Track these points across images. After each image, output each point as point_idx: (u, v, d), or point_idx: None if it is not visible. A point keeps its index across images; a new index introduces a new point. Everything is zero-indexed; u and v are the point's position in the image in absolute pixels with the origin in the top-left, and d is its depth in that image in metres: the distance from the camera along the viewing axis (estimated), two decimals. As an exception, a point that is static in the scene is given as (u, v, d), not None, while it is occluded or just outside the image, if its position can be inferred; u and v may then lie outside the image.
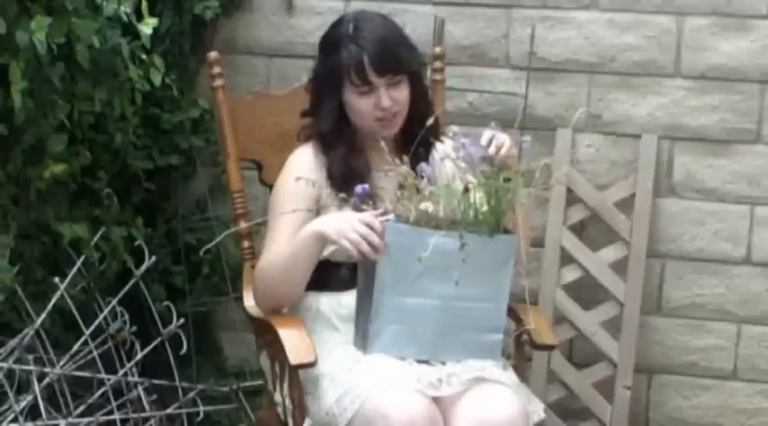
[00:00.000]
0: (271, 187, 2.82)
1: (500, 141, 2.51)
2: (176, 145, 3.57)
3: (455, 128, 2.56)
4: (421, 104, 2.67)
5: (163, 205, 3.63)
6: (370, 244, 2.41)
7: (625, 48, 3.44)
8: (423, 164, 2.48)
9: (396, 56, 2.61)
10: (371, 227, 2.42)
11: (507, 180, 2.44)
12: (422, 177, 2.45)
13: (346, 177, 2.61)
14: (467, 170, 2.46)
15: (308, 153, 2.69)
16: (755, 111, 3.40)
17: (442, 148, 2.68)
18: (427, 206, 2.42)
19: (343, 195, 2.53)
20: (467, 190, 2.44)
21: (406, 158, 2.48)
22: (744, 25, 3.38)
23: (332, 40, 2.65)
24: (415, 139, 2.58)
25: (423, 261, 2.37)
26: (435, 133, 2.70)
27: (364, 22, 2.63)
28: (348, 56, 2.58)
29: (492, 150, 2.49)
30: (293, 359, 2.45)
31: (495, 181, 2.43)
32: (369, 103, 2.60)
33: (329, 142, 2.66)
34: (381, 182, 2.60)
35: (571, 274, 3.46)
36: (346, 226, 2.43)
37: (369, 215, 2.44)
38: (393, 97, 2.60)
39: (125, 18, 3.06)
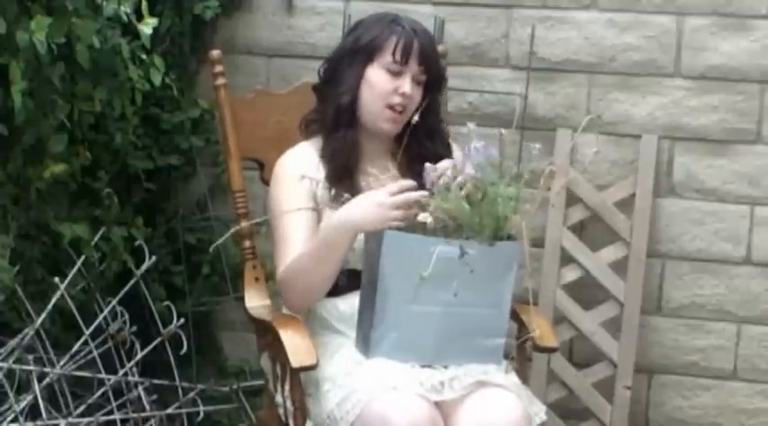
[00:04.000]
0: (273, 186, 2.82)
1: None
2: (176, 145, 3.57)
3: (471, 126, 2.52)
4: (431, 117, 2.68)
5: (163, 205, 3.63)
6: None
7: (625, 48, 3.44)
8: (428, 164, 2.47)
9: (437, 56, 2.71)
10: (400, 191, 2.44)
11: (510, 184, 2.43)
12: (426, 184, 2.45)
13: (340, 168, 2.62)
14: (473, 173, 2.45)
15: (305, 151, 2.69)
16: (755, 111, 3.40)
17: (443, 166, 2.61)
18: (426, 216, 2.40)
19: (347, 196, 2.53)
20: (468, 196, 2.42)
21: (430, 165, 2.47)
22: (744, 25, 3.38)
23: (380, 18, 2.69)
24: (416, 150, 2.62)
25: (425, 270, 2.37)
26: (445, 150, 2.69)
27: (415, 23, 2.70)
28: (401, 32, 2.63)
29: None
30: (295, 361, 2.43)
31: (496, 187, 2.42)
32: (392, 84, 2.63)
33: (341, 122, 2.64)
34: (370, 185, 2.62)
35: (571, 274, 3.46)
36: (382, 211, 2.42)
37: (389, 187, 2.46)
38: (411, 92, 2.63)
39: (125, 18, 3.06)
